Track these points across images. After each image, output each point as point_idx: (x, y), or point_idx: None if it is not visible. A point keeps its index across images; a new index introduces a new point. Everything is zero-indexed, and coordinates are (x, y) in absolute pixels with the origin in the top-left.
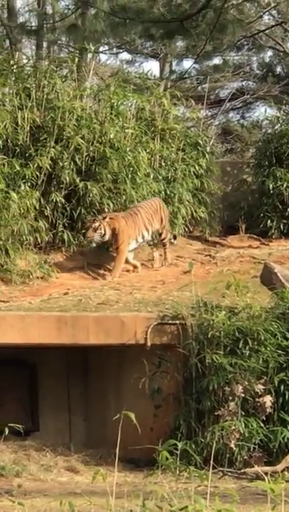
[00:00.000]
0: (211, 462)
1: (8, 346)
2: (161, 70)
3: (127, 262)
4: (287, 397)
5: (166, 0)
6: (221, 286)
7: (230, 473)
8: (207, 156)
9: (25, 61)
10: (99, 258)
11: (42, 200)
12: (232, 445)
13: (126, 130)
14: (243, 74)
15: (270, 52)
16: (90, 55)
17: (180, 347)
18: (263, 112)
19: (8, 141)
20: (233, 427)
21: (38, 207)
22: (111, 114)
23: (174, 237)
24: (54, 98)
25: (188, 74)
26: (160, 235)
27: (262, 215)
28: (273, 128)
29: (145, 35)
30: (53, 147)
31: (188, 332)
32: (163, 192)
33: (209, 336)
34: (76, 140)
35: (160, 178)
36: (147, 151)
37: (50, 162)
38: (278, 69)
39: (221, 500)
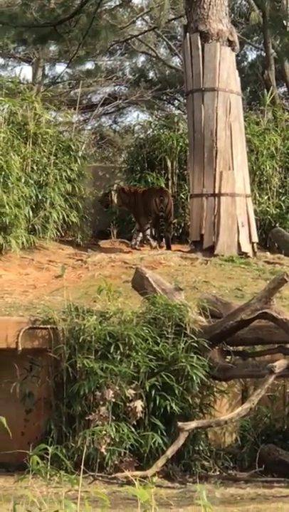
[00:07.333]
0: (82, 467)
1: None
2: (34, 75)
3: None
4: (158, 402)
5: (39, 5)
6: (92, 291)
7: (100, 478)
8: (79, 160)
9: None
10: None
11: None
12: (103, 450)
13: None
14: (116, 79)
15: (142, 58)
16: None
17: (51, 351)
18: (135, 116)
19: None
20: (104, 432)
21: None
22: None
23: None
24: None
25: (61, 78)
26: None
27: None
28: (145, 133)
29: (18, 39)
30: None
31: (60, 336)
32: (34, 197)
33: (80, 340)
34: None
35: (32, 182)
36: (19, 155)
37: None
38: (151, 74)
39: (92, 505)
